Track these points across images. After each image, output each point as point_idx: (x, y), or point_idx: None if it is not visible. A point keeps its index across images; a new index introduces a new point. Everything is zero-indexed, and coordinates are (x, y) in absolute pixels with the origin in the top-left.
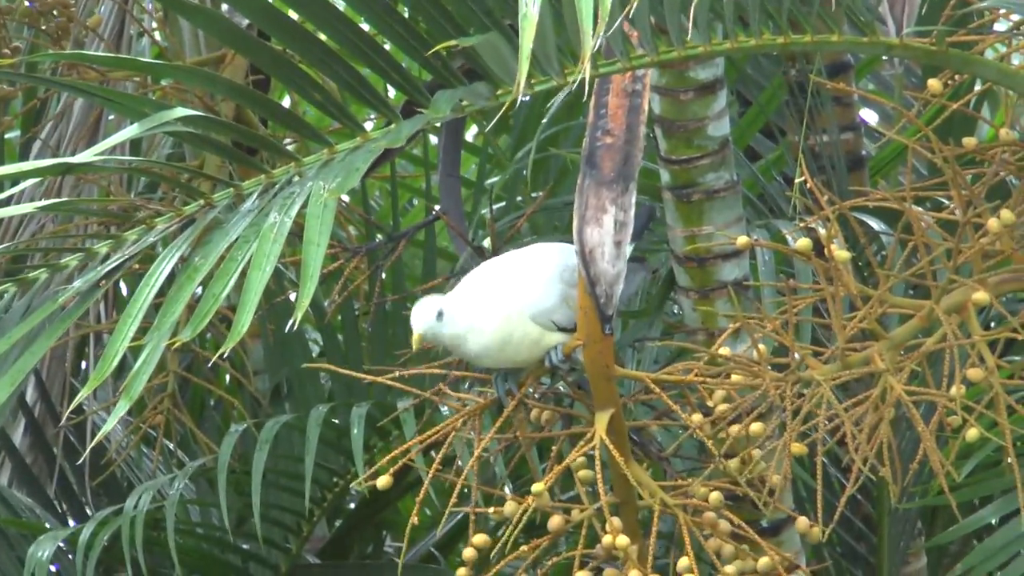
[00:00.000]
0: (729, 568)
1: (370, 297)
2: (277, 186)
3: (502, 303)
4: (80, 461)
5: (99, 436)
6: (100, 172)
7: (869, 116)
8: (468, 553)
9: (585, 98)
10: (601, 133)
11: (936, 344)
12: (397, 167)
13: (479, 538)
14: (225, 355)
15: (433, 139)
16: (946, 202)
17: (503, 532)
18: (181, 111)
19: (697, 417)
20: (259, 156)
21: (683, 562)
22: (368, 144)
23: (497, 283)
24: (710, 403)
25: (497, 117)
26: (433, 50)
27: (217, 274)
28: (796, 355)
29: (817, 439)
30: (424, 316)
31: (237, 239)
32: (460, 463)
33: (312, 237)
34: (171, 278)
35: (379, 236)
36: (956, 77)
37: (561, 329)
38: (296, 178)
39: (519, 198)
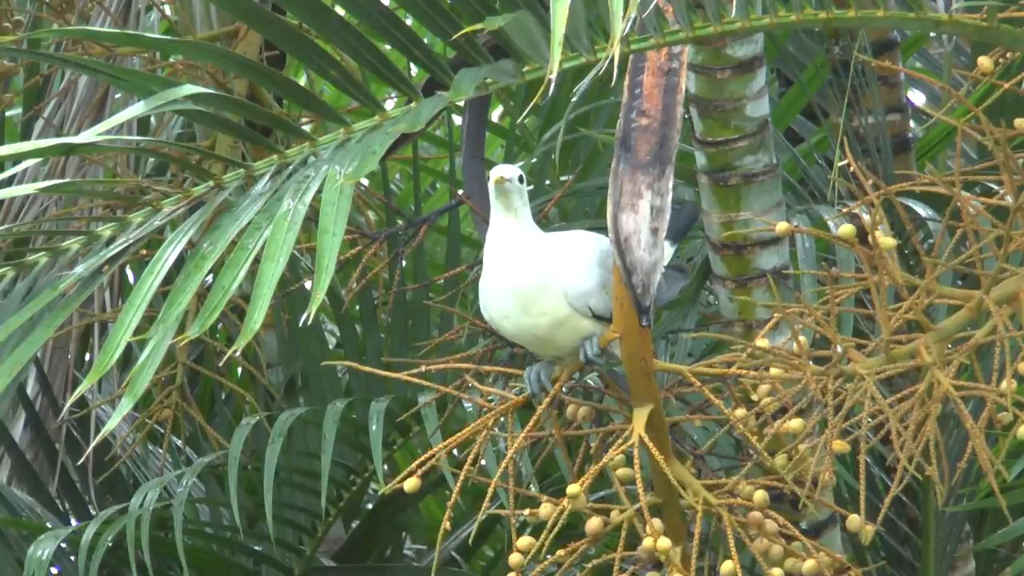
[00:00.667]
0: (776, 571)
1: (390, 286)
2: (291, 167)
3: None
4: (83, 458)
5: (103, 432)
6: (105, 152)
7: (916, 97)
8: (515, 559)
9: (617, 76)
10: (636, 114)
11: (986, 336)
12: (419, 148)
13: (524, 541)
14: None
15: (457, 119)
16: (996, 187)
17: (530, 534)
18: (190, 88)
19: (740, 412)
20: (273, 137)
21: (727, 566)
22: (386, 125)
23: (537, 258)
24: (753, 397)
25: (530, 100)
26: (459, 34)
27: (227, 264)
28: (838, 347)
29: (860, 436)
30: (512, 169)
31: (248, 224)
32: (484, 462)
33: (327, 225)
34: (179, 264)
35: (399, 221)
36: (1008, 55)
37: (596, 317)
38: (311, 159)
39: (547, 182)
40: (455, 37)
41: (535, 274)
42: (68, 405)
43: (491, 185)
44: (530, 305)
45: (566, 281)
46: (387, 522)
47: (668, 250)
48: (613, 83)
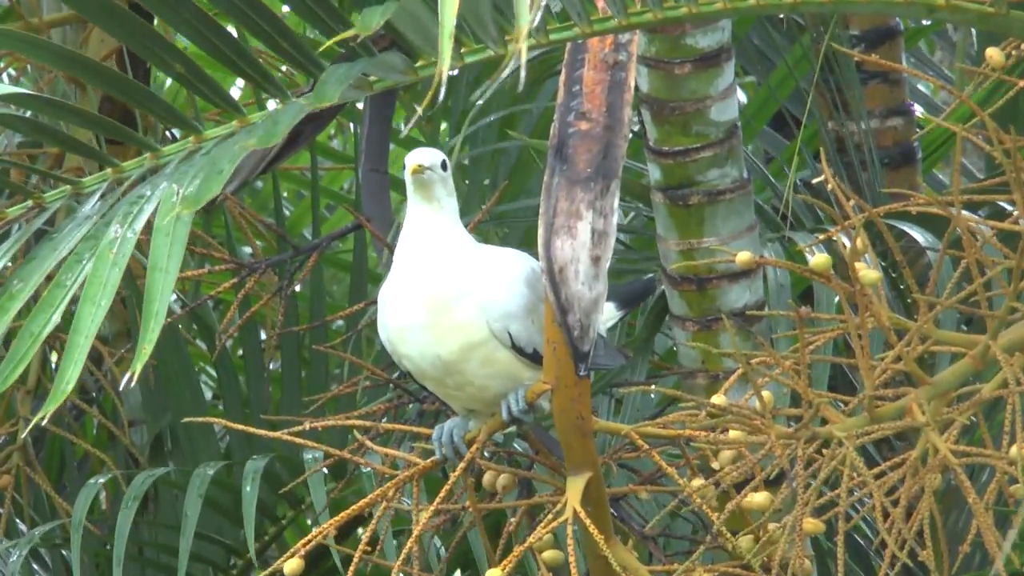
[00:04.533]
0: None
1: (278, 325)
2: (126, 184)
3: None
4: None
5: None
6: None
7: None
8: None
9: (538, 76)
10: (574, 117)
11: (993, 391)
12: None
13: None
14: (93, 397)
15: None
16: (1008, 208)
17: None
18: (4, 89)
19: (697, 482)
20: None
21: None
22: (237, 137)
23: (457, 261)
24: (714, 464)
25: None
26: (336, 39)
27: (39, 305)
28: (811, 405)
29: (839, 513)
30: (432, 153)
31: (68, 256)
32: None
33: (159, 261)
34: None
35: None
36: (1022, 47)
37: (515, 348)
38: (151, 174)
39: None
40: (336, 40)
41: (452, 278)
42: None
43: (407, 175)
44: (440, 316)
45: (487, 295)
46: None
47: (612, 312)
48: (522, 87)
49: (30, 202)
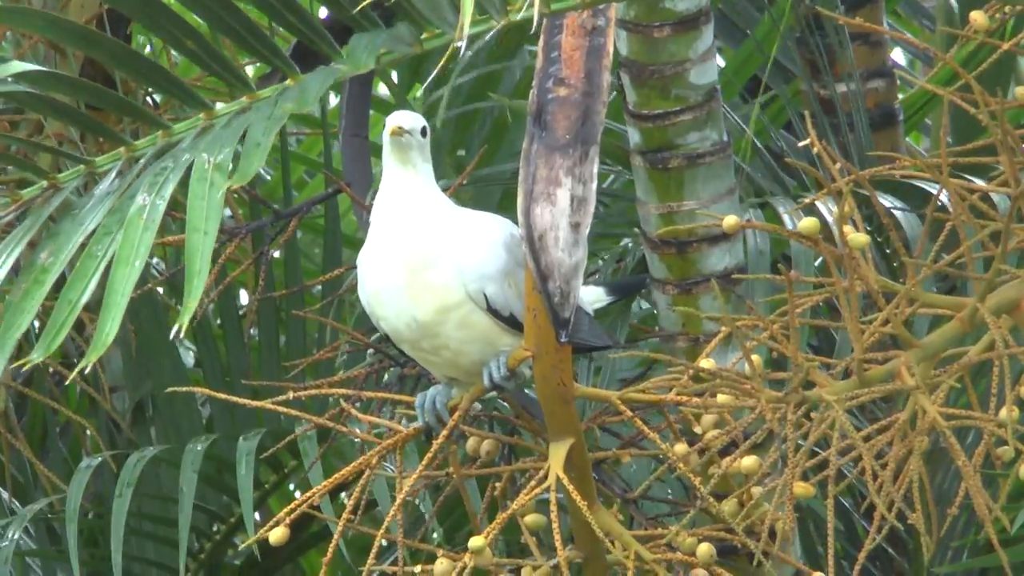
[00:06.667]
0: None
1: (257, 291)
2: (141, 161)
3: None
4: None
5: None
6: None
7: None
8: None
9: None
10: (553, 83)
11: (981, 354)
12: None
13: None
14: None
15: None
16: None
17: None
18: (19, 66)
19: (681, 447)
20: (116, 125)
21: None
22: (263, 108)
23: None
24: (696, 429)
25: (417, 71)
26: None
27: (73, 275)
28: (799, 369)
29: (829, 476)
30: (413, 117)
31: (96, 230)
32: (380, 508)
33: (198, 223)
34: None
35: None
36: (1007, 9)
37: (492, 311)
38: (166, 150)
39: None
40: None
41: (429, 238)
42: None
43: (386, 135)
44: (416, 276)
45: (464, 256)
46: None
47: (600, 295)
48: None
49: (44, 183)
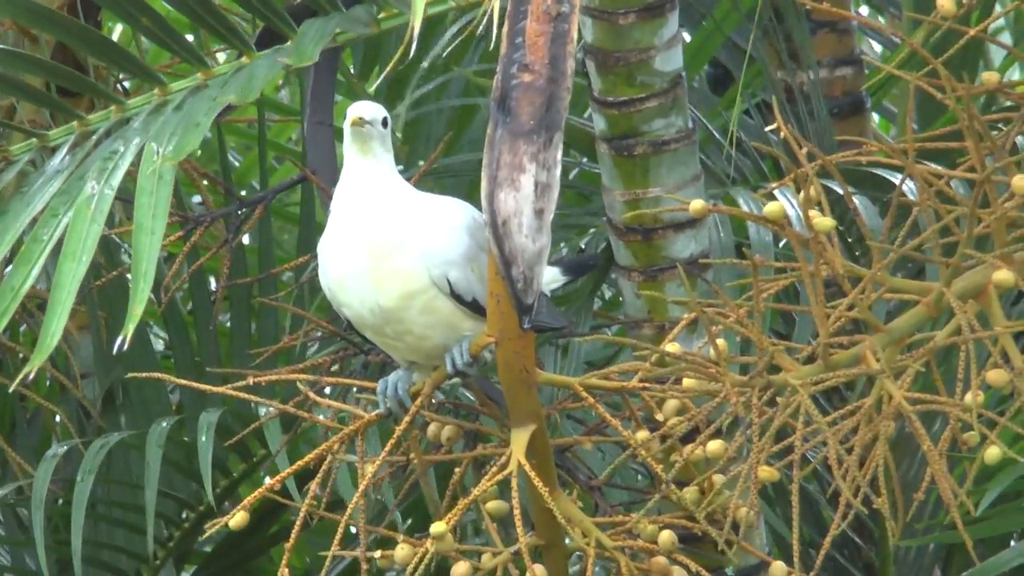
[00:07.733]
0: None
1: (222, 278)
2: (95, 137)
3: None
4: None
5: None
6: None
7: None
8: None
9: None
10: (517, 69)
11: (947, 339)
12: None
13: None
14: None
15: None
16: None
17: None
18: None
19: (642, 434)
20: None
21: None
22: (210, 90)
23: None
24: (658, 416)
25: (374, 55)
26: None
27: (18, 260)
28: (765, 353)
29: (794, 460)
30: (374, 108)
31: (44, 210)
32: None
33: (144, 220)
34: None
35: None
36: None
37: (455, 296)
38: (119, 128)
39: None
40: None
41: (392, 224)
42: None
43: (346, 126)
44: (380, 262)
45: (427, 241)
46: (232, 570)
47: (556, 275)
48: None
49: None
